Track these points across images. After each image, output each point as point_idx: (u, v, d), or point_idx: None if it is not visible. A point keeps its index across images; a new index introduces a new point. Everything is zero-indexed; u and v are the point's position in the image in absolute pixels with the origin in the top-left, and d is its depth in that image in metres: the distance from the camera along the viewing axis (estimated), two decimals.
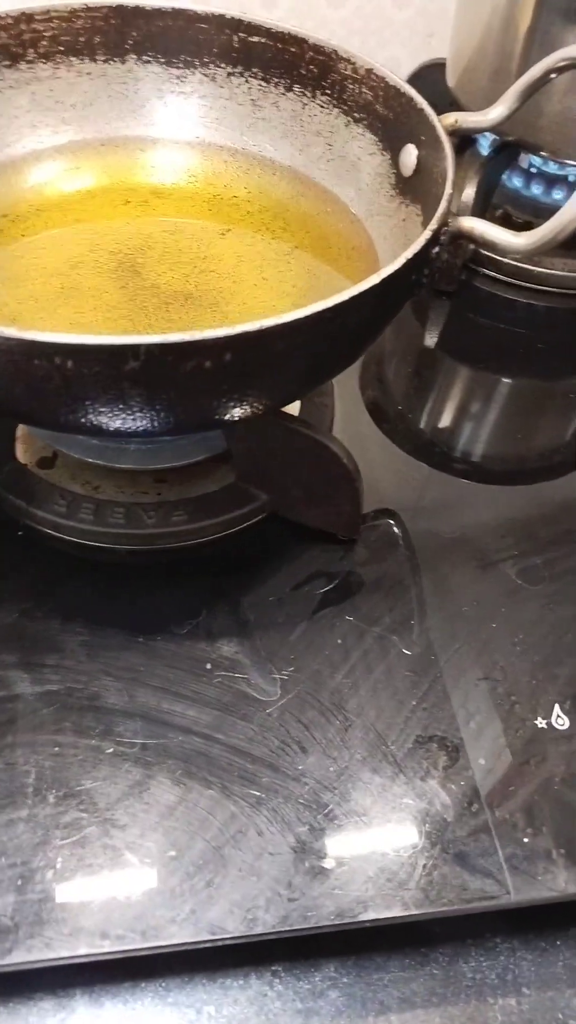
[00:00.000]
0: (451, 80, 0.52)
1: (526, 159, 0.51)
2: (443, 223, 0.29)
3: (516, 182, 0.52)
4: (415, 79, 0.59)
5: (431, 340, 0.51)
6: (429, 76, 0.57)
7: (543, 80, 0.34)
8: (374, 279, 0.26)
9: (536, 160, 0.51)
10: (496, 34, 0.47)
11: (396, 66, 0.63)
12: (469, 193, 0.49)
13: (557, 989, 0.30)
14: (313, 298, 0.37)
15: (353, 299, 0.26)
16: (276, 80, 0.40)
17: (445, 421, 0.47)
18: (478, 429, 0.47)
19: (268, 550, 0.37)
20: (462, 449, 0.45)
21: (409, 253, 0.28)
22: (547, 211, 0.51)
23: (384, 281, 0.27)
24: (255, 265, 0.37)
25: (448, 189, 0.30)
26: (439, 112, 0.36)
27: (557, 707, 0.34)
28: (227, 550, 0.37)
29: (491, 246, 0.30)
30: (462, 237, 0.30)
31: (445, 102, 0.52)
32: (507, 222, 0.54)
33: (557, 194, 0.51)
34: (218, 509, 0.36)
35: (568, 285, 0.52)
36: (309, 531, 0.38)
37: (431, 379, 0.49)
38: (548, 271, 0.51)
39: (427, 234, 0.29)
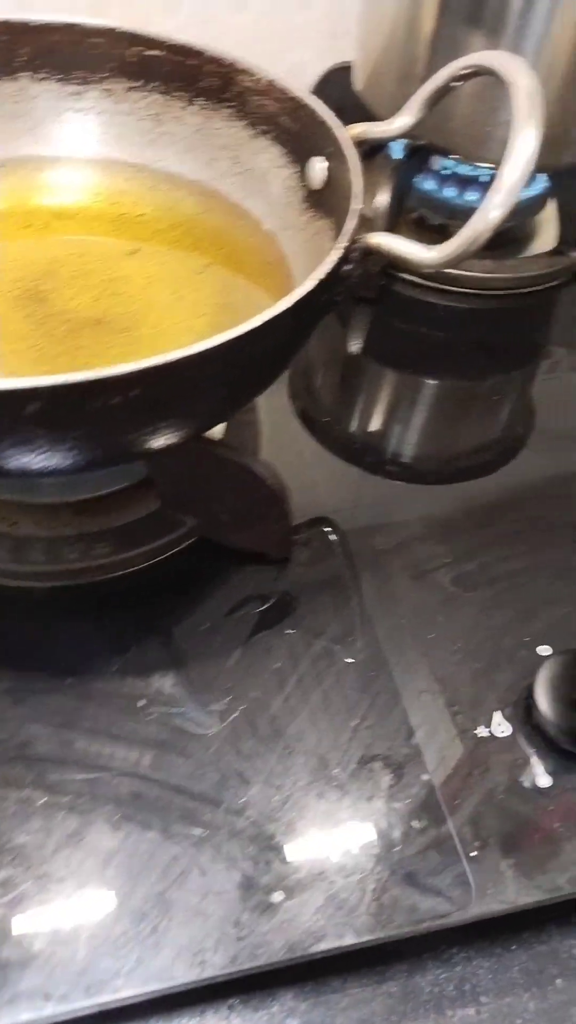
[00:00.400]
0: (358, 84, 0.52)
1: (438, 162, 0.51)
2: (353, 241, 0.29)
3: (429, 185, 0.52)
4: (323, 83, 0.59)
5: (355, 347, 0.51)
6: (338, 80, 0.57)
7: (447, 88, 0.34)
8: (284, 304, 0.26)
9: (448, 162, 0.51)
10: (401, 38, 0.47)
11: (304, 70, 0.62)
12: (383, 199, 0.49)
13: (515, 994, 0.31)
14: (228, 316, 0.36)
15: (263, 326, 0.25)
16: (177, 93, 0.39)
17: (375, 425, 0.47)
18: (408, 432, 0.47)
19: (199, 575, 0.37)
20: (393, 451, 0.45)
21: (319, 274, 0.27)
22: (462, 213, 0.52)
23: (295, 305, 0.26)
24: (167, 284, 0.37)
25: (356, 205, 0.30)
26: (346, 120, 0.36)
27: (498, 714, 0.34)
28: (156, 579, 0.36)
29: (403, 262, 0.30)
30: (372, 253, 0.30)
31: (354, 105, 0.52)
32: (422, 225, 0.54)
33: (471, 196, 0.51)
34: (143, 538, 0.35)
35: (488, 286, 0.52)
36: (241, 552, 0.37)
37: (359, 384, 0.49)
38: (467, 273, 0.51)
39: (336, 254, 0.28)
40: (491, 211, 0.30)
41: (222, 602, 0.36)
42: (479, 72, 0.33)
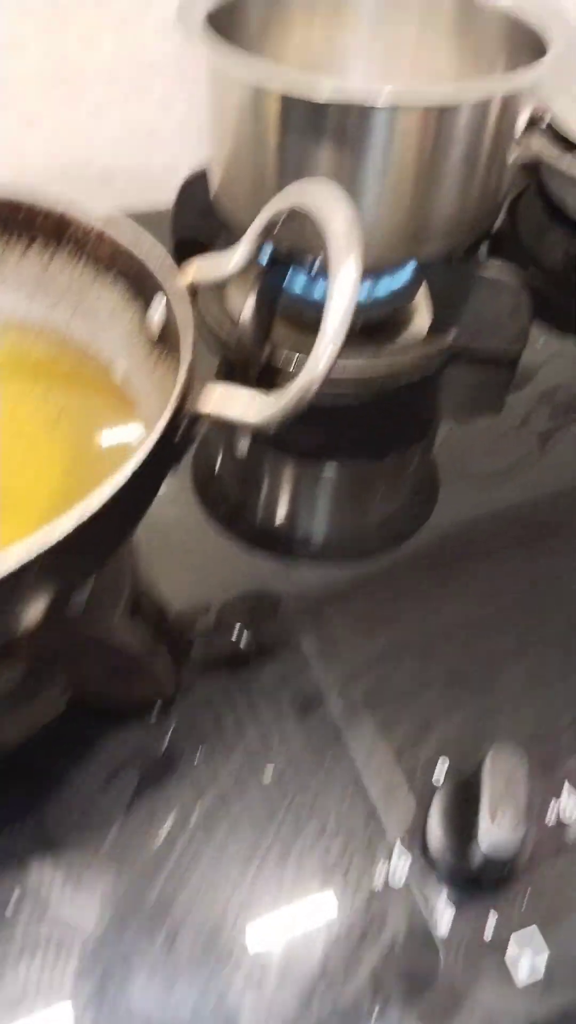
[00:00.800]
0: (213, 189, 0.52)
1: (306, 263, 0.51)
2: (179, 408, 0.28)
3: (299, 285, 0.52)
4: (188, 187, 0.59)
5: (241, 449, 0.51)
6: (202, 183, 0.56)
7: (270, 230, 0.33)
8: (106, 491, 0.25)
9: (315, 263, 0.51)
10: (247, 149, 0.47)
11: (177, 168, 0.62)
12: (251, 303, 0.49)
13: None
14: (84, 468, 0.35)
15: (90, 519, 0.24)
16: (16, 237, 0.38)
17: (276, 518, 0.47)
18: (312, 519, 0.47)
19: (76, 739, 0.35)
20: (301, 540, 0.45)
21: (144, 451, 0.26)
22: None
23: (124, 486, 0.25)
24: (16, 441, 0.35)
25: (184, 368, 0.29)
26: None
27: (397, 845, 0.33)
28: (26, 756, 0.34)
29: (231, 425, 0.29)
30: (202, 419, 0.29)
31: None
32: (300, 321, 0.53)
33: None
34: (10, 712, 0.34)
35: (368, 377, 0.52)
36: (119, 705, 0.35)
37: (259, 481, 0.49)
38: (345, 376, 0.51)
39: (161, 425, 0.27)
40: (319, 361, 0.30)
41: (100, 768, 0.34)
42: (297, 210, 0.32)
